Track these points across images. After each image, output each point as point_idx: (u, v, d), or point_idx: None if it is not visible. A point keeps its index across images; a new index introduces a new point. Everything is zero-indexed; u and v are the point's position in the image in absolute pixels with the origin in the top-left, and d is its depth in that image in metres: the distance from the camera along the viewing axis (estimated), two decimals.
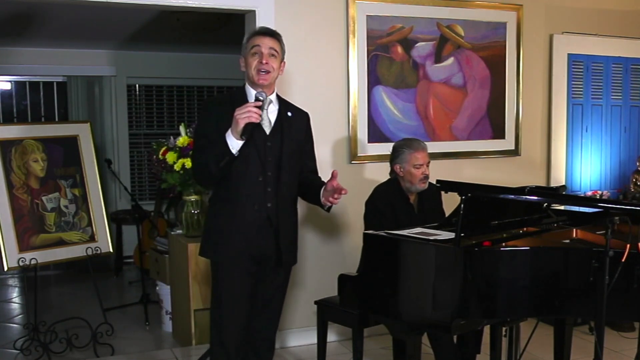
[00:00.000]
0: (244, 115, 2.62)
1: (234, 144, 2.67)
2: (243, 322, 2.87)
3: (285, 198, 2.87)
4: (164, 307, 4.73)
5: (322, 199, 2.82)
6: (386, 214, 3.40)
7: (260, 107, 2.70)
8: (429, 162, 3.47)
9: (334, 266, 4.07)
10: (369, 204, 3.53)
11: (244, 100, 2.80)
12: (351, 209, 4.33)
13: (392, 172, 3.52)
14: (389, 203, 3.44)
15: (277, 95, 2.92)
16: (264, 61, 2.76)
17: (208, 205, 3.01)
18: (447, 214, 3.42)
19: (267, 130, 2.83)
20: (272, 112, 2.86)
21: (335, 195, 2.73)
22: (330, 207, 2.86)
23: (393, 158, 3.50)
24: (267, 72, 2.77)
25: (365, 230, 3.41)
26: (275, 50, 2.81)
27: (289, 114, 2.91)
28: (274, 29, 2.92)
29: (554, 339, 3.31)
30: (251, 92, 2.82)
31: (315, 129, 4.20)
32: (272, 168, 2.81)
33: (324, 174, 4.27)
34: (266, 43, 2.78)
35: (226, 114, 2.73)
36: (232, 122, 2.65)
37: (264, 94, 2.76)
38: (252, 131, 2.69)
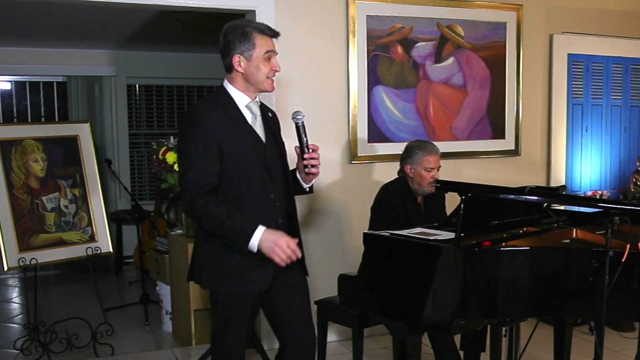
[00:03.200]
0: (282, 258, 2.40)
1: (250, 246, 2.40)
2: (245, 350, 2.66)
3: (293, 209, 2.63)
4: (164, 307, 4.73)
5: (302, 179, 2.62)
6: (398, 211, 3.41)
7: (301, 135, 2.54)
8: (439, 167, 3.47)
9: (334, 266, 4.06)
10: (380, 201, 3.52)
11: (235, 108, 2.51)
12: (352, 208, 4.33)
13: (401, 171, 3.52)
14: (401, 200, 3.45)
15: (261, 103, 2.66)
16: (279, 69, 2.54)
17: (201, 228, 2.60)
18: (447, 214, 3.42)
19: (264, 138, 2.55)
20: (259, 116, 2.58)
21: (312, 162, 2.53)
22: (312, 187, 2.67)
23: (404, 158, 3.50)
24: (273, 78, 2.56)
25: (372, 227, 3.43)
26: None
27: (270, 115, 2.65)
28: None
29: (554, 339, 3.30)
30: (240, 97, 2.53)
31: (315, 129, 4.21)
32: (278, 179, 2.55)
33: (324, 174, 4.29)
34: (274, 47, 2.53)
35: (223, 125, 2.45)
36: (266, 246, 2.38)
37: (303, 117, 2.55)
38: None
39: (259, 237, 2.39)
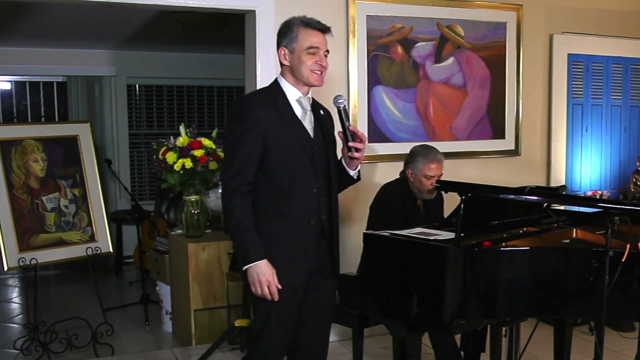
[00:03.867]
0: (256, 289, 2.42)
1: (245, 267, 2.43)
2: (287, 345, 2.62)
3: (336, 207, 2.62)
4: (164, 307, 4.73)
5: (347, 165, 2.61)
6: (397, 211, 3.40)
7: (342, 119, 2.54)
8: (441, 175, 3.46)
9: None
10: (380, 201, 3.52)
11: (285, 101, 2.53)
12: (351, 208, 4.32)
13: (403, 172, 3.52)
14: (400, 201, 3.44)
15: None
16: (324, 63, 2.50)
17: None
18: (447, 215, 3.42)
19: (312, 134, 2.56)
20: (309, 111, 2.58)
21: (357, 145, 2.51)
22: (359, 174, 2.66)
23: (407, 161, 3.49)
24: (322, 74, 2.53)
25: (371, 226, 3.42)
26: (328, 52, 2.56)
27: (322, 112, 2.65)
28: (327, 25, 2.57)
29: (554, 339, 3.31)
30: (291, 91, 2.54)
31: None
32: (322, 175, 2.55)
33: None
34: (323, 42, 2.51)
35: (272, 117, 2.45)
36: (252, 272, 2.40)
37: (344, 101, 2.55)
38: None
39: (255, 264, 2.41)
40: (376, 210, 3.53)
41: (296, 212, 2.48)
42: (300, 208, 2.49)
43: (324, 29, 2.52)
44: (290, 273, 2.49)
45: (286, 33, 2.51)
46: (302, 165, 2.50)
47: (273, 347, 2.55)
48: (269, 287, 2.42)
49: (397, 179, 3.57)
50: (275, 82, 2.59)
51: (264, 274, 2.41)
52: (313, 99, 2.63)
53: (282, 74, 2.58)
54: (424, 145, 3.69)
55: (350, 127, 2.53)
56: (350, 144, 2.52)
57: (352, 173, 2.63)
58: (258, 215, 2.50)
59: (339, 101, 2.55)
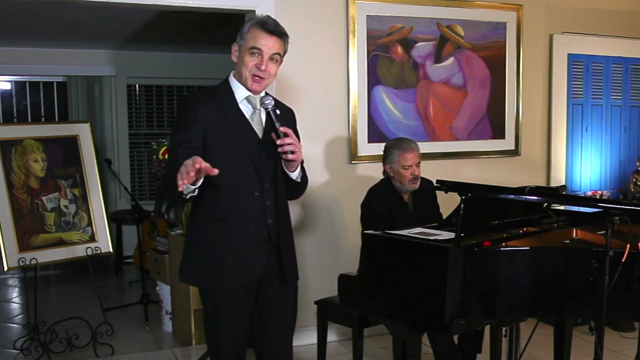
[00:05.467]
0: (182, 177, 2.09)
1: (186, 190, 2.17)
2: (244, 350, 2.57)
3: (286, 211, 2.54)
4: (164, 307, 4.73)
5: (285, 167, 2.46)
6: (382, 213, 3.41)
7: (273, 121, 2.38)
8: (419, 163, 3.46)
9: (334, 266, 4.06)
10: (365, 205, 3.54)
11: (232, 100, 2.45)
12: (351, 208, 4.32)
13: (384, 172, 3.53)
14: (384, 202, 3.45)
15: (266, 93, 2.53)
16: (263, 67, 2.40)
17: (188, 223, 2.59)
18: (446, 214, 3.42)
19: (260, 134, 2.46)
20: (259, 110, 2.48)
21: (288, 148, 2.34)
22: (302, 175, 2.53)
23: (384, 158, 3.52)
24: (263, 78, 2.42)
25: (362, 231, 3.42)
26: (279, 55, 2.44)
27: (278, 112, 2.44)
28: (279, 23, 2.48)
29: (554, 339, 3.31)
30: (240, 90, 2.46)
31: (315, 129, 4.24)
32: (269, 178, 2.45)
33: (324, 174, 4.29)
34: (270, 46, 2.39)
35: (214, 115, 2.38)
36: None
37: (272, 102, 2.40)
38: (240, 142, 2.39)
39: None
40: (364, 214, 3.54)
41: (235, 215, 2.39)
42: (239, 211, 2.40)
43: (277, 33, 2.42)
44: (227, 280, 2.41)
45: (241, 31, 2.44)
46: (244, 167, 2.41)
47: (225, 344, 2.49)
48: (192, 165, 2.10)
49: (381, 180, 3.58)
50: (225, 80, 2.51)
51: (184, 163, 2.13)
52: (274, 98, 2.49)
53: (233, 71, 2.50)
54: (396, 138, 3.73)
55: (281, 128, 2.36)
56: (279, 141, 2.35)
57: (293, 175, 2.50)
58: (198, 217, 2.45)
59: (266, 102, 2.42)
